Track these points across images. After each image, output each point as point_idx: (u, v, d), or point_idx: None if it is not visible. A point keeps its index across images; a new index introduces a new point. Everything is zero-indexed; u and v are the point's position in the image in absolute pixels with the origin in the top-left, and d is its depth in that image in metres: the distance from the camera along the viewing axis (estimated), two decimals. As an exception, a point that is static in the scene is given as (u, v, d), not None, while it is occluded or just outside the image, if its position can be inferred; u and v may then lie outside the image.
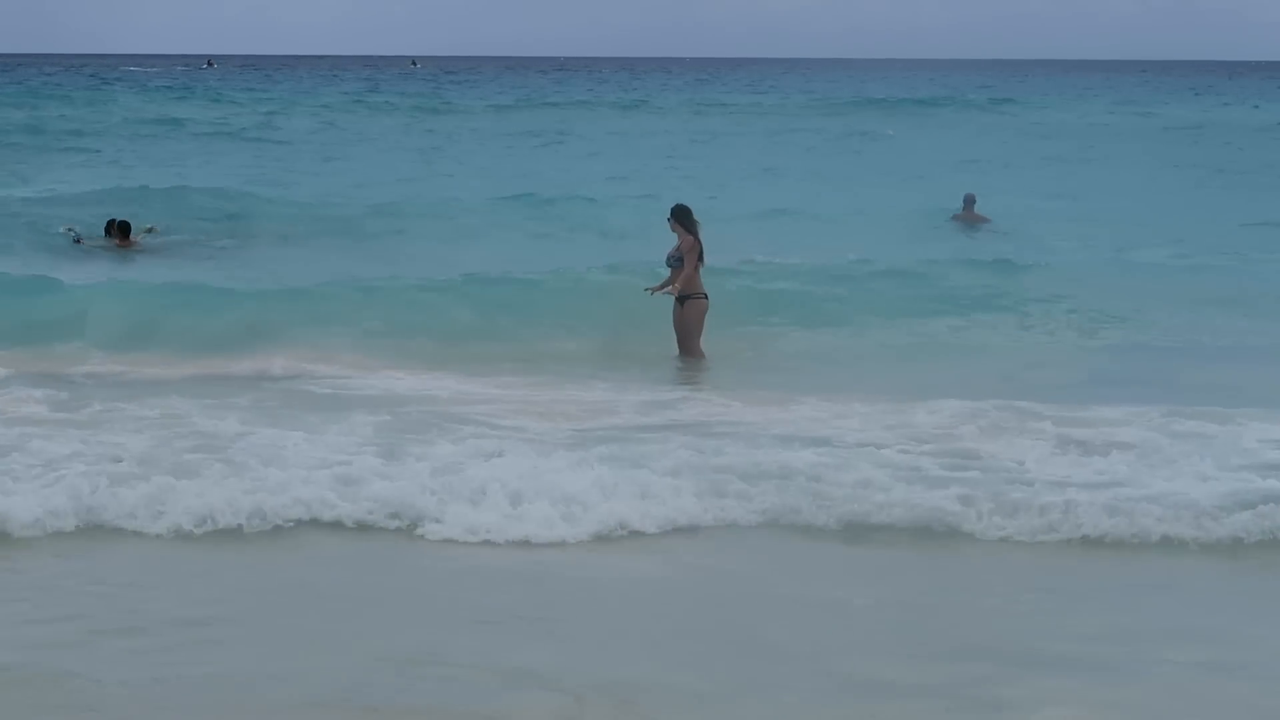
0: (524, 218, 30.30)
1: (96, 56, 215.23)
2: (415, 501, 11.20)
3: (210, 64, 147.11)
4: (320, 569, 10.40)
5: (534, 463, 11.95)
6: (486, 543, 10.84)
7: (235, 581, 10.11)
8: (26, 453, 12.18)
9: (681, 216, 17.27)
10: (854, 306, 20.50)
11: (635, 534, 11.03)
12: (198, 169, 40.16)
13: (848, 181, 38.71)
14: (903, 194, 34.23)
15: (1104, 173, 41.81)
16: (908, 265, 23.21)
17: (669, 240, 17.48)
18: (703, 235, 17.20)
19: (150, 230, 26.43)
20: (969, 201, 30.56)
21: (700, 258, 17.17)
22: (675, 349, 17.41)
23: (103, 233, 25.93)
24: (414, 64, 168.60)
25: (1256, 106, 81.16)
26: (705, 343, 17.34)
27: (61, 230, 26.77)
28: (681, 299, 17.28)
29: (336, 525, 11.09)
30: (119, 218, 26.20)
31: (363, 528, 11.08)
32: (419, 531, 11.00)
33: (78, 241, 25.90)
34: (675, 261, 17.27)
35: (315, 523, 11.08)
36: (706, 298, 17.30)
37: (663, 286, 17.43)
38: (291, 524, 11.03)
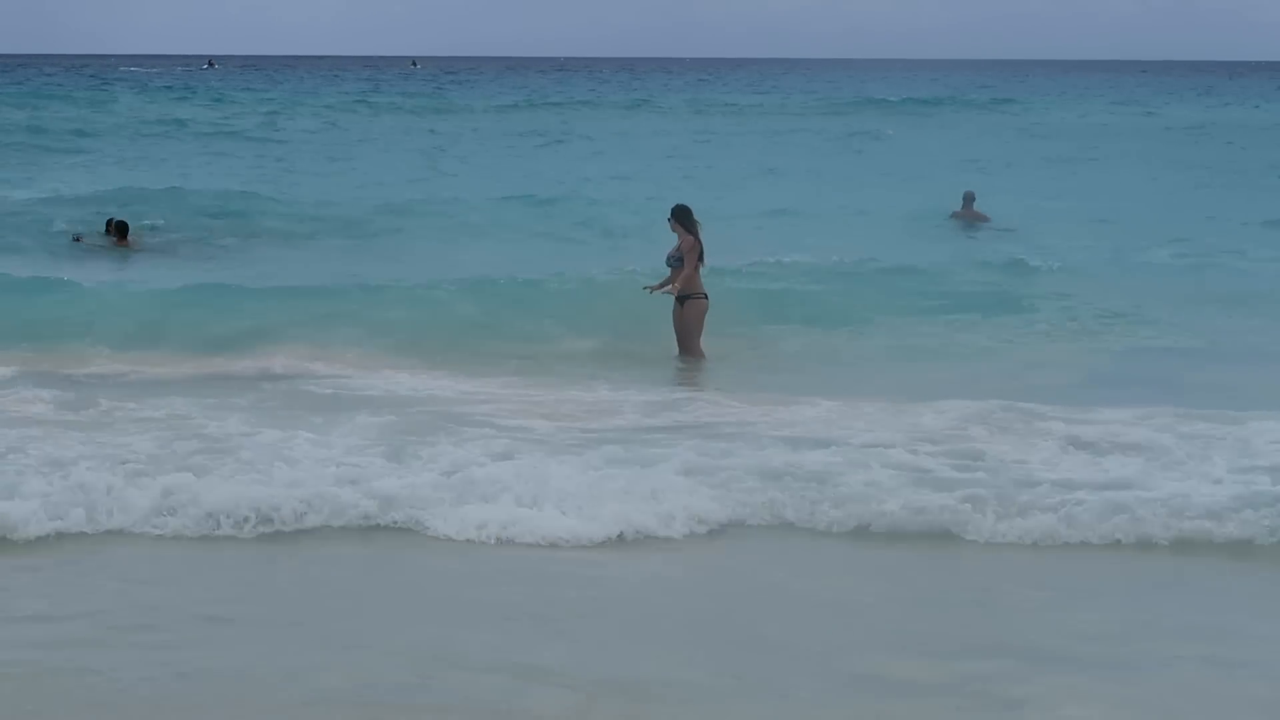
0: (526, 218, 30.32)
1: (97, 57, 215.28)
2: (426, 501, 11.21)
3: (211, 64, 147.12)
4: (332, 568, 10.41)
5: (543, 463, 11.96)
6: (497, 542, 10.86)
7: (248, 580, 10.14)
8: (34, 454, 12.14)
9: (682, 216, 17.27)
10: (856, 306, 20.47)
11: (645, 534, 11.03)
12: (199, 169, 40.17)
13: (849, 181, 38.71)
14: (903, 194, 34.21)
15: (1105, 172, 41.82)
16: (909, 265, 23.22)
17: (670, 240, 17.48)
18: (703, 235, 17.21)
19: (151, 227, 26.41)
20: (968, 199, 30.51)
21: (700, 258, 17.17)
22: (676, 349, 17.42)
23: (102, 231, 25.94)
24: (414, 64, 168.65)
25: (1258, 106, 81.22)
26: (706, 342, 17.34)
27: (63, 229, 26.78)
28: (681, 299, 17.28)
29: (347, 525, 11.10)
30: (118, 217, 26.21)
31: (374, 527, 11.09)
32: (429, 531, 11.00)
33: (77, 240, 25.89)
34: (675, 261, 17.26)
35: (327, 523, 11.08)
36: (706, 298, 17.30)
37: (662, 286, 17.43)
38: (302, 523, 11.03)
